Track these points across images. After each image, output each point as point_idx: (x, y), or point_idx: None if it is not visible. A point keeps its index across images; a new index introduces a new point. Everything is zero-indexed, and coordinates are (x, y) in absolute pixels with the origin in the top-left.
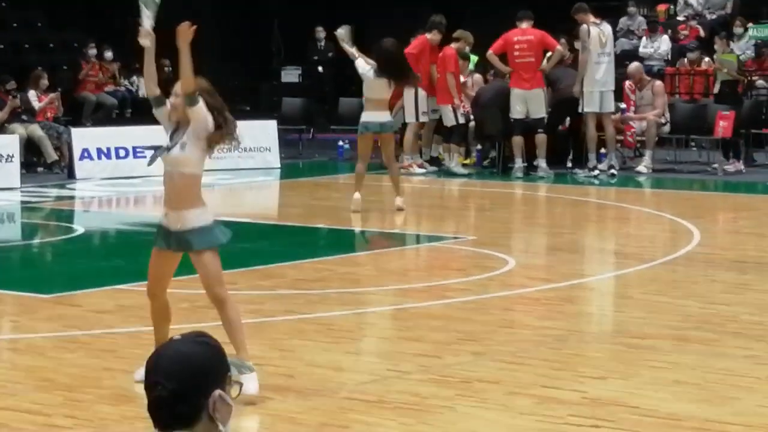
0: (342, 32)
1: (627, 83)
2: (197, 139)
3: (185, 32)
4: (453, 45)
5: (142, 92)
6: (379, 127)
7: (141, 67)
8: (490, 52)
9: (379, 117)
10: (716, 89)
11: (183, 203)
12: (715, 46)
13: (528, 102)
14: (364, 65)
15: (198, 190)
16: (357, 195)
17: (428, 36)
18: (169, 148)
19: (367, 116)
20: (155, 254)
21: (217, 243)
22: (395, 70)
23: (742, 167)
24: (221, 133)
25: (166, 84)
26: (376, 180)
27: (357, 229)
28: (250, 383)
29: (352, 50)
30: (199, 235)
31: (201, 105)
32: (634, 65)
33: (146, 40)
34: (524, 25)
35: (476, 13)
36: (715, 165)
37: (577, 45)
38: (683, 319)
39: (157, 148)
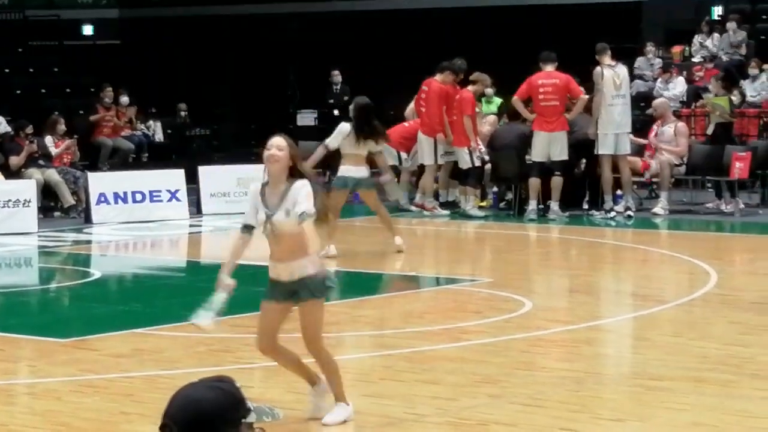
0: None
1: (654, 127)
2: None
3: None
4: (470, 87)
5: (159, 136)
6: (356, 183)
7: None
8: (515, 98)
9: (357, 172)
10: (710, 130)
11: (292, 256)
12: (710, 87)
13: (551, 145)
14: (336, 133)
15: (305, 240)
16: (333, 247)
17: (438, 78)
18: (269, 216)
19: (344, 171)
20: (265, 308)
21: (322, 293)
22: (368, 127)
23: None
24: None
25: (181, 128)
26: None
27: (373, 271)
28: (332, 416)
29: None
30: (307, 283)
31: (310, 223)
32: (661, 101)
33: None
34: (549, 67)
35: (493, 56)
36: (729, 207)
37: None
38: (701, 360)
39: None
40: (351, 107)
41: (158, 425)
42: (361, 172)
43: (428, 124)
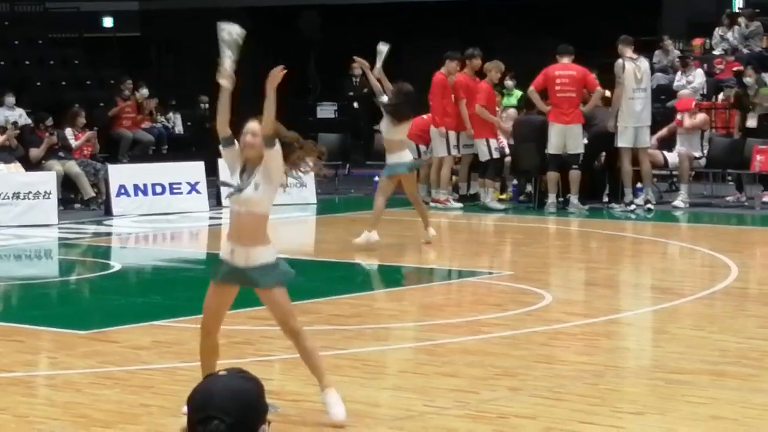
0: (383, 49)
1: (678, 116)
2: (269, 180)
3: (275, 76)
4: (487, 78)
5: (179, 129)
6: (407, 168)
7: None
8: (531, 88)
9: (404, 158)
10: (752, 123)
11: (251, 241)
12: (747, 79)
13: (566, 137)
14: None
15: (266, 228)
16: (375, 234)
17: (443, 70)
18: (240, 189)
19: (393, 158)
20: (213, 288)
21: (284, 279)
22: (408, 113)
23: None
24: (300, 153)
25: (201, 121)
26: (412, 215)
27: (393, 264)
28: (337, 408)
29: (378, 76)
30: (267, 271)
31: (278, 149)
32: (686, 92)
33: (227, 81)
34: (565, 59)
35: (505, 46)
36: (750, 199)
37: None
38: (721, 354)
39: (227, 184)
40: (396, 92)
41: (189, 419)
42: (406, 156)
43: (433, 116)
